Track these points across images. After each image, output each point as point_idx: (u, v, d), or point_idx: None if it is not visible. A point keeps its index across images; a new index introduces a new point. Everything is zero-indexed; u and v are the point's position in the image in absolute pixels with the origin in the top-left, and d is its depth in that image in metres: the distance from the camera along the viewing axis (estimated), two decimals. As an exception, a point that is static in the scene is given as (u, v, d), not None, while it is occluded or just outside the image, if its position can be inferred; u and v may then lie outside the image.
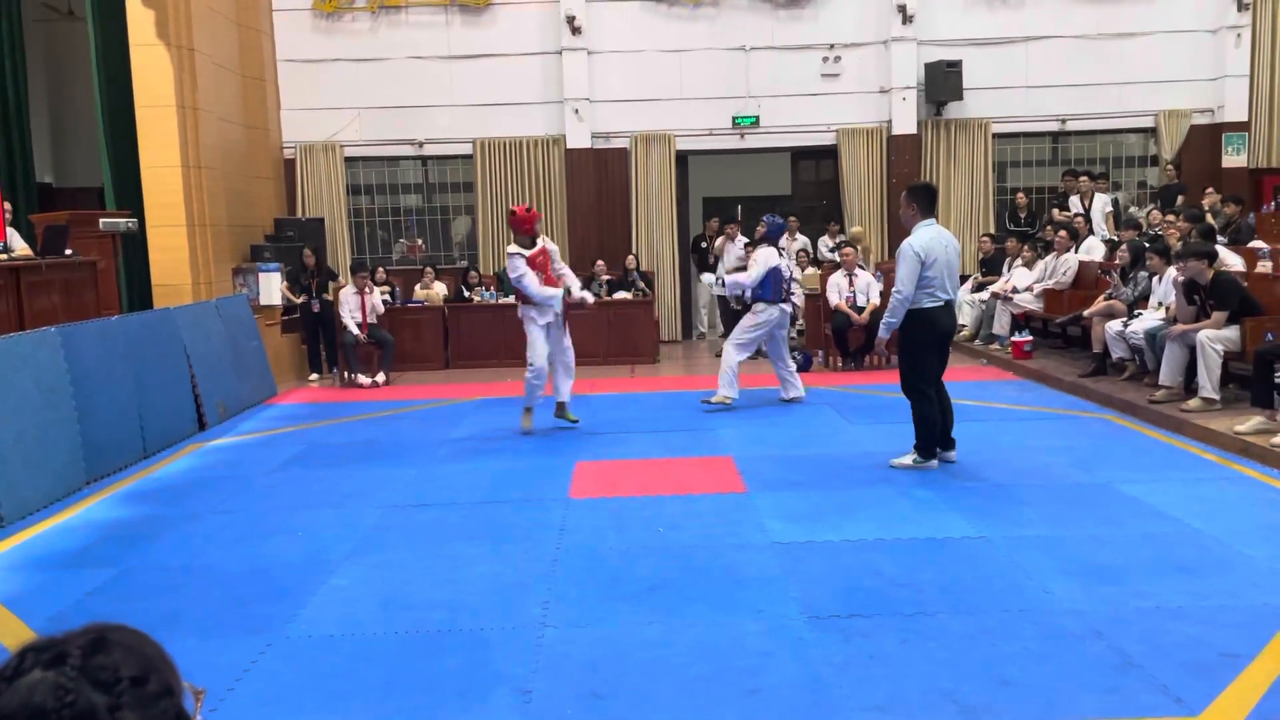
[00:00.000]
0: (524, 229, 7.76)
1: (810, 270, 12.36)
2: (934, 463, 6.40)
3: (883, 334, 6.60)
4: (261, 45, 12.90)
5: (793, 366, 9.05)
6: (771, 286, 8.60)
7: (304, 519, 5.74)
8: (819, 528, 5.22)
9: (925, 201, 6.33)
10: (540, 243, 7.83)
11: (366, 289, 10.88)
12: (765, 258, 8.60)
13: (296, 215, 13.35)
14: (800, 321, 12.14)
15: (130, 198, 10.36)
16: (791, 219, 13.31)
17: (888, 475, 6.28)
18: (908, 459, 6.42)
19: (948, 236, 6.36)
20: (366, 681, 3.62)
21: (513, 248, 7.76)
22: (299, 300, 11.30)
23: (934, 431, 6.36)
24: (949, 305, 6.33)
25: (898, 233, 13.73)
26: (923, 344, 6.29)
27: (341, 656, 3.85)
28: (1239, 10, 13.43)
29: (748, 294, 8.71)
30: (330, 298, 11.28)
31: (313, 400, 10.05)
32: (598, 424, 8.17)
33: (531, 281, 7.59)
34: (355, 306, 10.83)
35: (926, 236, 6.18)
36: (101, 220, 9.28)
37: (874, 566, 4.61)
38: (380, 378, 10.77)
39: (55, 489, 6.29)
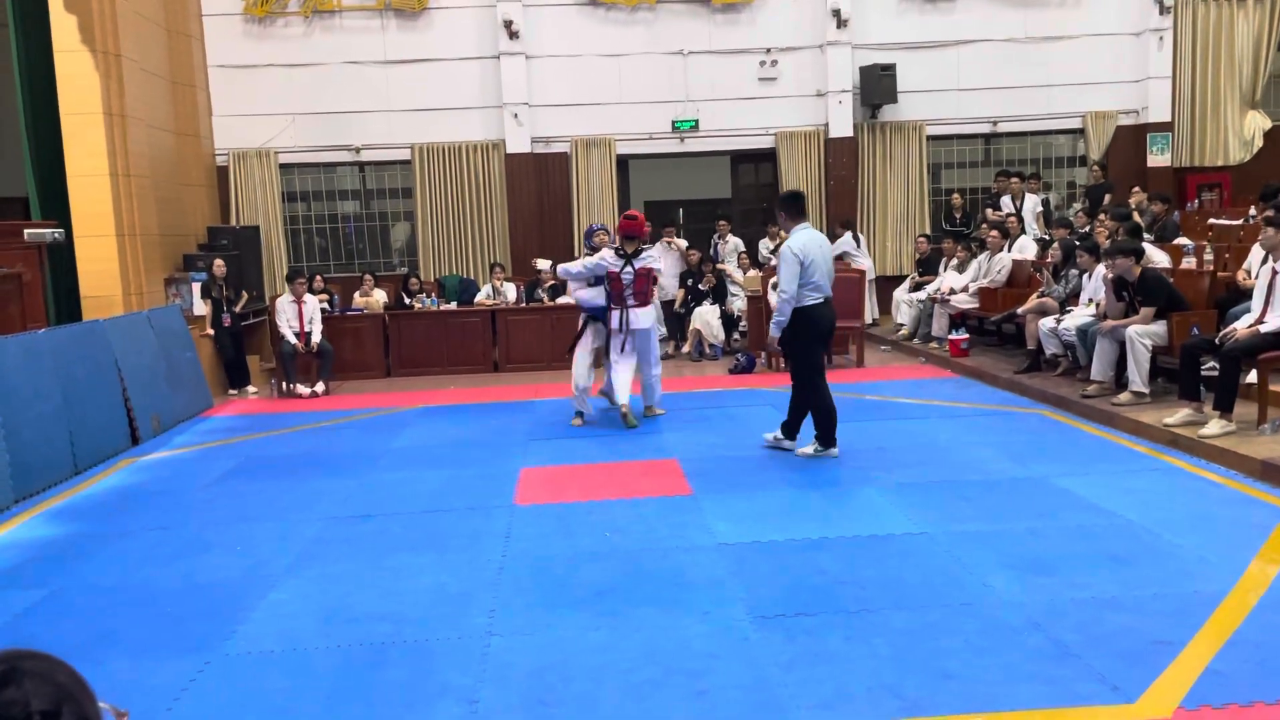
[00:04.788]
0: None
1: (752, 273, 12.45)
2: (834, 450, 6.75)
3: (774, 333, 6.79)
4: (192, 50, 12.65)
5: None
6: (604, 290, 8.10)
7: (242, 533, 5.63)
8: (764, 528, 5.25)
9: (795, 208, 6.83)
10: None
11: (304, 298, 10.71)
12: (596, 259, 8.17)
13: (231, 223, 13.10)
14: (743, 323, 12.23)
15: (56, 208, 10.07)
16: (721, 222, 13.38)
17: (831, 475, 6.35)
18: (809, 448, 6.81)
19: (820, 237, 6.90)
20: (309, 697, 3.56)
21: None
22: (206, 313, 10.79)
23: (831, 419, 6.74)
24: (828, 301, 6.74)
25: (835, 235, 13.93)
26: (810, 339, 6.70)
27: (282, 673, 3.78)
28: (1161, 13, 13.83)
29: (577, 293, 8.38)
30: (240, 310, 11.01)
31: (250, 412, 9.86)
32: (543, 429, 8.14)
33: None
34: (292, 315, 10.65)
35: (803, 239, 6.67)
36: (26, 231, 9.01)
37: (818, 565, 4.66)
38: (319, 387, 10.60)
39: (-19, 509, 6.10)
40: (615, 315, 8.04)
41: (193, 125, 12.59)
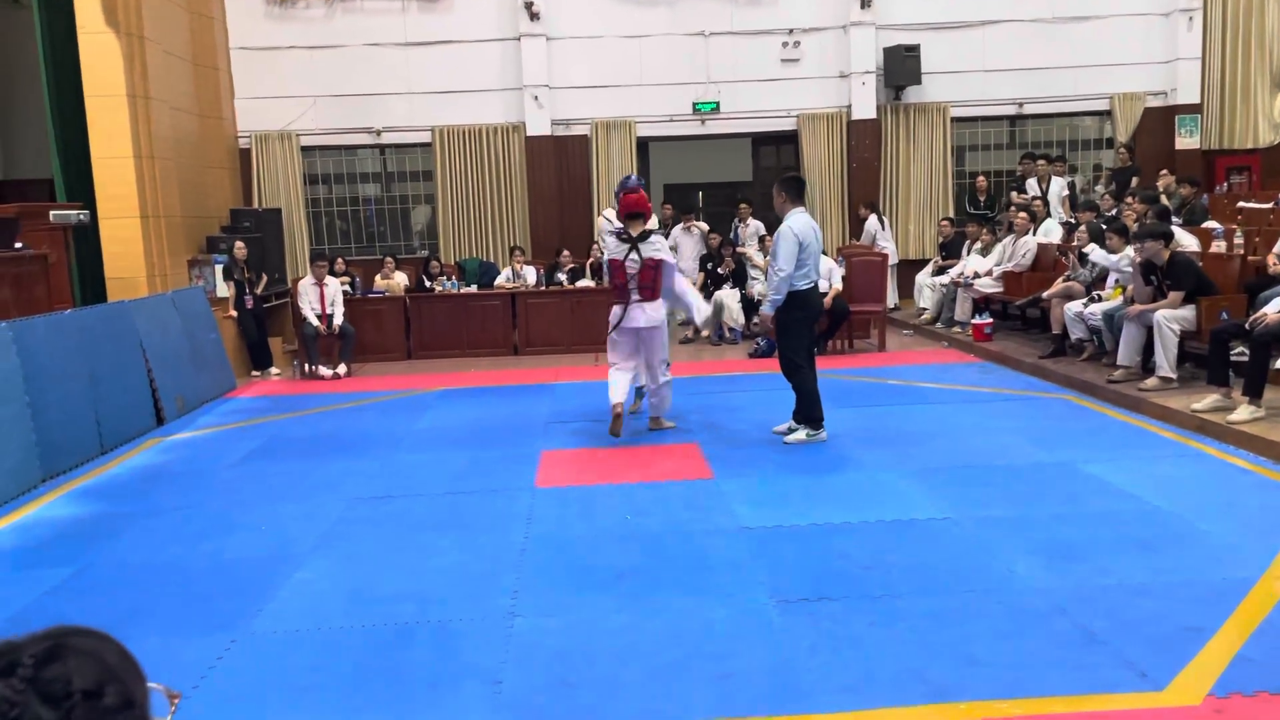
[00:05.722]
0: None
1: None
2: (823, 434, 6.74)
3: (766, 310, 6.78)
4: (214, 32, 12.67)
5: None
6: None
7: (267, 513, 5.67)
8: (786, 512, 5.24)
9: (795, 191, 6.74)
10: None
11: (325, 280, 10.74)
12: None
13: (253, 206, 13.15)
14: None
15: (81, 189, 10.13)
16: (742, 206, 13.27)
17: (854, 459, 6.32)
18: (801, 434, 6.75)
19: (815, 224, 6.83)
20: (334, 676, 3.58)
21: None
22: (229, 295, 10.78)
23: (817, 402, 6.73)
24: (816, 287, 6.84)
25: (859, 218, 13.86)
26: (798, 322, 6.72)
27: (308, 651, 3.80)
28: (1190, -7, 13.61)
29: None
30: (260, 292, 11.07)
31: (273, 393, 9.91)
32: (563, 413, 8.14)
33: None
34: (314, 297, 10.68)
35: (801, 222, 6.61)
36: (52, 213, 9.07)
37: (841, 549, 4.64)
38: (341, 369, 10.65)
39: (9, 488, 6.16)
40: (615, 311, 6.99)
41: (215, 107, 12.62)
